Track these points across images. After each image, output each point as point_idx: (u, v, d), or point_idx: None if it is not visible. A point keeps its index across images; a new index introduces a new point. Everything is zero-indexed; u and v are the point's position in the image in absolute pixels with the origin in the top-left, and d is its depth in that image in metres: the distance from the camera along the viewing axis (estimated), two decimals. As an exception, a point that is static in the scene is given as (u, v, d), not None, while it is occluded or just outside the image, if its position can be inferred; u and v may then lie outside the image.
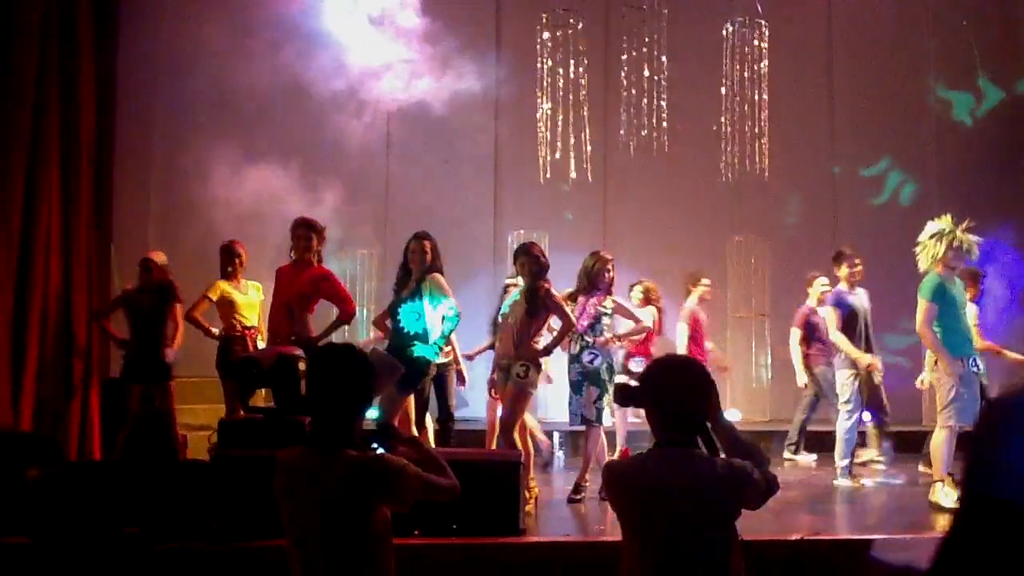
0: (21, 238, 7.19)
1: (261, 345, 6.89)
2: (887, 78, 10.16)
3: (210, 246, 7.47)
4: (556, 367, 7.82)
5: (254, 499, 4.65)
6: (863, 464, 7.48)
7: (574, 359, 6.39)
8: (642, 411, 2.88)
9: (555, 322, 6.34)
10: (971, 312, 7.53)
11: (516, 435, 5.99)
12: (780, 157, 9.62)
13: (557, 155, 9.38)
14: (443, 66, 8.93)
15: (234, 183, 8.20)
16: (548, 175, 9.41)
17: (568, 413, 6.49)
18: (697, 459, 2.66)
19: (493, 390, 6.35)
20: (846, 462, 7.00)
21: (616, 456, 6.77)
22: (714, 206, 9.98)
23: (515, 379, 6.01)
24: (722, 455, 2.72)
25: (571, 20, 9.33)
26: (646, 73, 9.36)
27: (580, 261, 6.62)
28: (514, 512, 5.12)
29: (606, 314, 6.41)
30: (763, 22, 9.42)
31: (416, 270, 6.04)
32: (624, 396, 2.95)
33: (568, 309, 6.25)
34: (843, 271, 7.11)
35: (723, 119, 9.49)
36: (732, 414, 9.44)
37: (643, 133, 9.43)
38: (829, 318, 7.06)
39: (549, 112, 9.38)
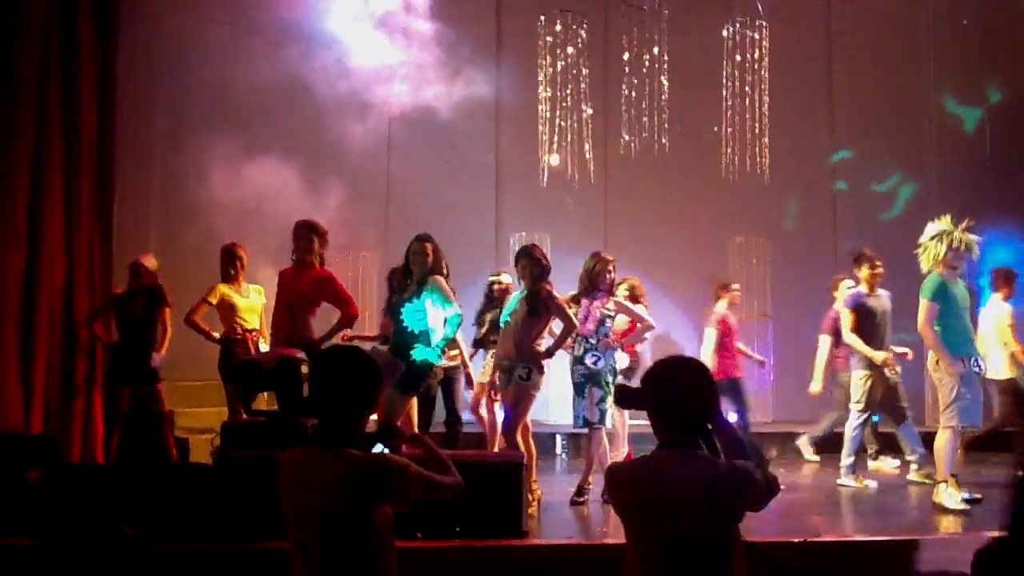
0: (28, 238, 7.22)
1: (264, 347, 6.89)
2: (887, 78, 10.16)
3: (210, 247, 7.47)
4: (558, 369, 7.84)
5: (256, 501, 4.67)
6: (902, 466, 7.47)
7: (577, 361, 6.39)
8: (645, 413, 2.87)
9: (557, 325, 6.35)
10: (1005, 312, 7.55)
11: (519, 437, 6.00)
12: (781, 157, 9.62)
13: (558, 156, 9.37)
14: (444, 67, 8.94)
15: (235, 184, 8.20)
16: (549, 177, 9.40)
17: (572, 415, 6.50)
18: (700, 460, 2.66)
19: (493, 391, 6.36)
20: (850, 461, 7.00)
21: (621, 459, 6.76)
22: (715, 207, 9.98)
23: (517, 381, 6.03)
24: (723, 456, 2.72)
25: (571, 21, 9.32)
26: (646, 74, 9.36)
27: (582, 263, 6.62)
28: (517, 514, 5.12)
29: (610, 316, 6.41)
30: (763, 22, 9.42)
31: (417, 272, 6.04)
32: (624, 398, 2.94)
33: (571, 311, 6.26)
34: (864, 272, 7.05)
35: (723, 120, 9.49)
36: (733, 416, 9.43)
37: (644, 134, 9.42)
38: (845, 319, 7.04)
39: (550, 113, 9.37)
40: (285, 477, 2.81)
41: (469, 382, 7.26)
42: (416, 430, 5.98)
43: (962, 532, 5.44)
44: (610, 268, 6.44)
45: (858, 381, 6.96)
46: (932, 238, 6.26)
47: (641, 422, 7.60)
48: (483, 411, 7.31)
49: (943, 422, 6.08)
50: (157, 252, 8.95)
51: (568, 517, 6.02)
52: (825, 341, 7.88)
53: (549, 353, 6.21)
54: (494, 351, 6.71)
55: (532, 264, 6.13)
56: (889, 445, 7.92)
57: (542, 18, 9.36)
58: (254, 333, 7.05)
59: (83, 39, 7.87)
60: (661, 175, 9.79)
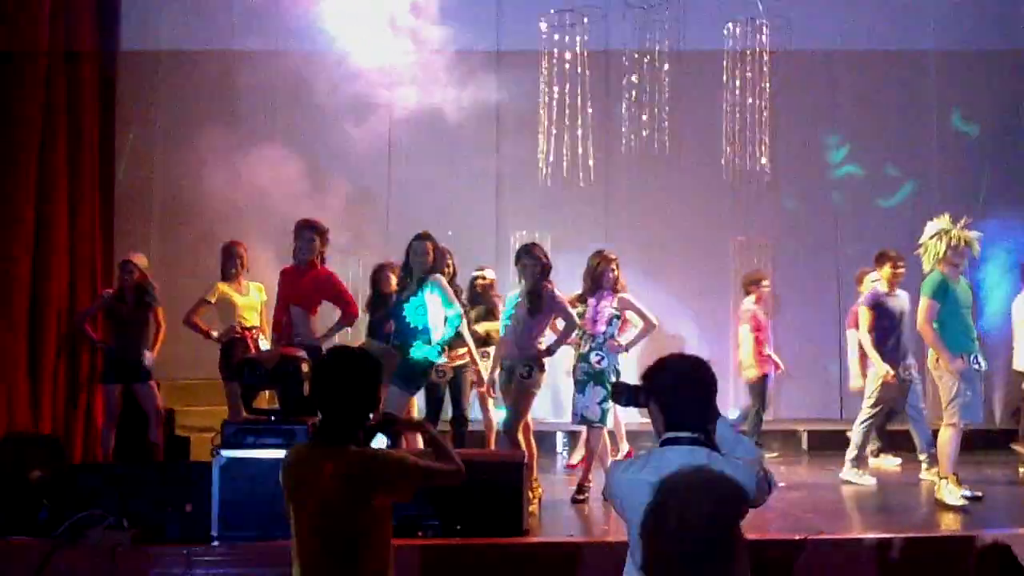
0: (36, 238, 7.25)
1: (264, 345, 6.90)
2: (888, 77, 10.15)
3: (211, 246, 7.48)
4: (560, 368, 7.84)
5: (257, 501, 4.68)
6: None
7: (582, 358, 6.39)
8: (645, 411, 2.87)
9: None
10: None
11: (520, 435, 6.00)
12: (781, 156, 9.61)
13: (558, 156, 9.37)
14: (444, 67, 8.93)
15: (236, 184, 8.20)
16: (549, 176, 9.40)
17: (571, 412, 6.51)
18: (707, 457, 2.67)
19: (492, 389, 6.36)
20: (853, 454, 7.01)
21: (621, 457, 6.77)
22: (715, 206, 9.97)
23: (518, 379, 6.04)
24: (720, 451, 2.72)
25: (572, 21, 9.32)
26: (647, 73, 9.36)
27: (582, 261, 6.62)
28: (518, 512, 5.13)
29: (617, 315, 6.42)
30: (763, 21, 9.41)
31: (417, 271, 6.05)
32: (623, 394, 2.94)
33: (575, 310, 6.26)
34: (886, 271, 7.01)
35: (724, 119, 9.49)
36: (734, 413, 9.44)
37: (644, 133, 9.42)
38: (862, 317, 7.04)
39: (550, 113, 9.37)
40: (288, 474, 2.90)
41: (480, 381, 7.22)
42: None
43: (962, 530, 5.45)
44: (613, 267, 6.43)
45: (873, 378, 6.95)
46: (932, 237, 6.28)
47: (634, 420, 7.69)
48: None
49: (945, 420, 6.09)
50: (157, 252, 9.00)
51: (569, 515, 6.02)
52: (853, 336, 7.82)
53: (550, 351, 6.22)
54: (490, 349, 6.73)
55: (533, 263, 6.13)
56: (891, 443, 7.93)
57: (543, 18, 9.36)
58: (254, 331, 7.06)
59: (85, 39, 7.90)
60: (662, 174, 9.78)
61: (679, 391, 2.74)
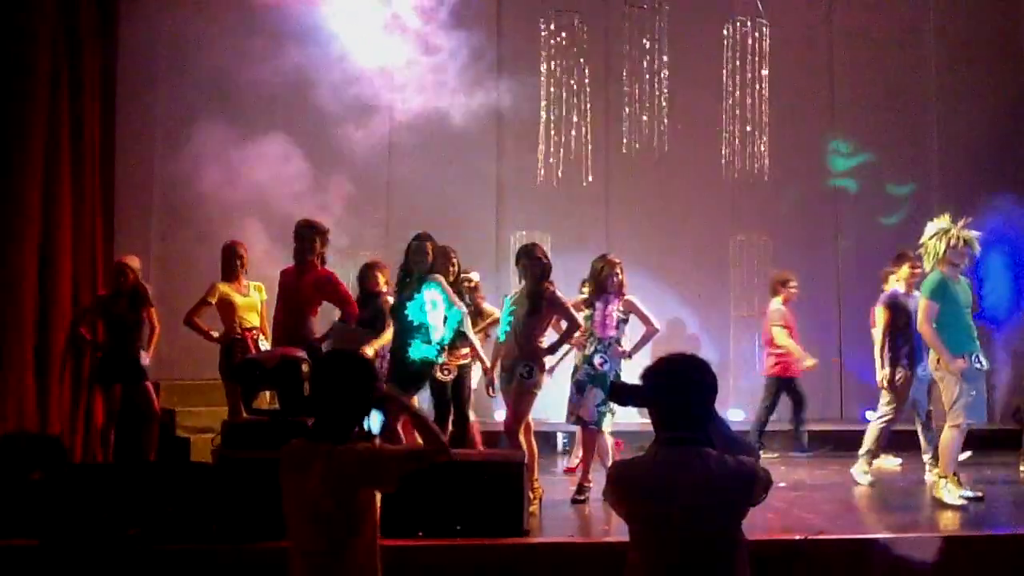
0: (42, 238, 7.28)
1: (264, 346, 6.90)
2: (888, 76, 10.15)
3: (211, 246, 7.48)
4: (562, 368, 7.82)
5: (258, 501, 4.68)
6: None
7: (586, 360, 6.39)
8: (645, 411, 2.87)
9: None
10: None
11: (520, 436, 6.00)
12: (781, 155, 9.61)
13: (558, 156, 9.37)
14: (445, 68, 8.92)
15: (236, 184, 8.20)
16: (550, 176, 9.40)
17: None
18: (708, 457, 2.67)
19: (490, 388, 6.36)
20: (863, 450, 7.01)
21: (609, 447, 6.74)
22: (715, 205, 9.98)
23: (519, 379, 6.03)
24: (718, 450, 2.72)
25: (572, 20, 9.32)
26: (647, 73, 9.36)
27: (582, 262, 6.62)
28: (518, 513, 5.13)
29: (623, 319, 6.42)
30: (764, 21, 9.41)
31: (417, 271, 6.05)
32: (622, 394, 2.94)
33: (581, 314, 6.26)
34: (904, 271, 6.99)
35: (724, 118, 9.49)
36: (735, 413, 9.45)
37: (644, 132, 9.42)
38: (878, 316, 7.04)
39: (550, 112, 9.37)
40: (285, 466, 3.03)
41: (489, 383, 7.19)
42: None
43: (962, 530, 5.45)
44: (617, 271, 6.43)
45: (895, 379, 6.89)
46: (931, 237, 6.29)
47: (634, 420, 7.68)
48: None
49: (949, 421, 6.09)
50: (157, 252, 9.01)
51: (569, 516, 6.02)
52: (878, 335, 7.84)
53: (552, 349, 6.23)
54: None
55: (533, 263, 6.13)
56: (893, 444, 7.93)
57: (543, 18, 9.36)
58: (254, 331, 7.05)
59: (86, 38, 7.92)
60: (662, 174, 9.79)
61: (678, 391, 2.75)
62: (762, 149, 9.38)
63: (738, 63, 9.40)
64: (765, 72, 9.38)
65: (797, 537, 4.95)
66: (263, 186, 8.20)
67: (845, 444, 8.29)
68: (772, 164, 9.44)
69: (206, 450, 6.60)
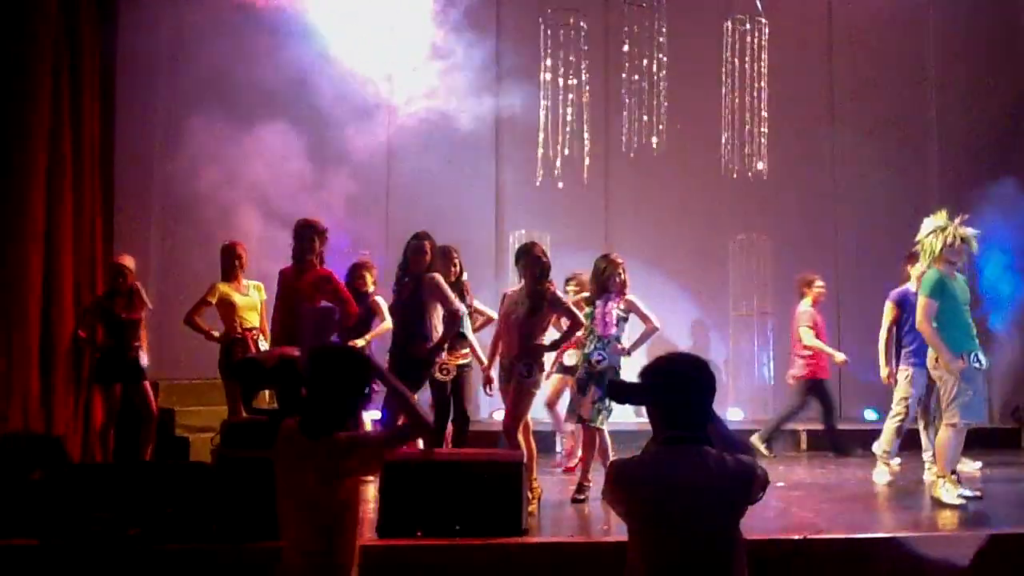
0: (46, 238, 7.30)
1: (264, 346, 6.91)
2: (887, 76, 10.15)
3: (210, 246, 7.48)
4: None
5: (257, 500, 4.68)
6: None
7: (585, 359, 6.40)
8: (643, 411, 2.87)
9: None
10: None
11: (519, 435, 6.00)
12: (781, 155, 9.62)
13: (558, 155, 9.38)
14: (444, 68, 8.93)
15: (235, 184, 8.21)
16: (549, 175, 9.40)
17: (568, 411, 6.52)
18: (710, 456, 2.67)
19: (488, 387, 6.36)
20: (880, 450, 7.00)
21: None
22: (715, 205, 9.98)
23: (518, 378, 6.03)
24: (716, 449, 2.73)
25: (571, 19, 9.32)
26: (646, 72, 9.36)
27: (581, 262, 6.62)
28: (517, 512, 5.12)
29: (624, 318, 6.42)
30: (763, 20, 9.42)
31: (415, 270, 6.05)
32: (620, 393, 2.95)
33: (581, 312, 6.27)
34: (916, 270, 6.92)
35: (723, 117, 9.49)
36: (734, 413, 9.45)
37: (644, 132, 9.42)
38: (886, 312, 7.03)
39: (550, 111, 9.37)
40: (279, 448, 3.14)
41: (487, 380, 7.19)
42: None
43: (960, 529, 5.46)
44: (620, 270, 6.44)
45: (903, 377, 6.90)
46: (928, 235, 6.27)
47: (632, 420, 7.68)
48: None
49: (944, 420, 6.09)
50: (157, 252, 9.02)
51: (569, 515, 6.02)
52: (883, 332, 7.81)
53: (554, 346, 6.25)
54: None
55: (533, 262, 6.13)
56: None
57: (542, 17, 9.37)
58: (254, 331, 7.07)
59: (86, 38, 7.93)
60: (661, 173, 9.79)
61: (677, 390, 2.75)
62: (761, 148, 9.39)
63: (737, 62, 9.40)
64: (764, 71, 9.38)
65: (796, 537, 4.95)
66: (263, 186, 8.20)
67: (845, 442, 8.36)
68: (772, 163, 9.44)
69: (205, 450, 6.61)
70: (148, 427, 7.06)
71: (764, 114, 9.41)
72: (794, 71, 9.95)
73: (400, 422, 3.32)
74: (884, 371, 7.13)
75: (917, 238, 6.37)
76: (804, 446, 9.00)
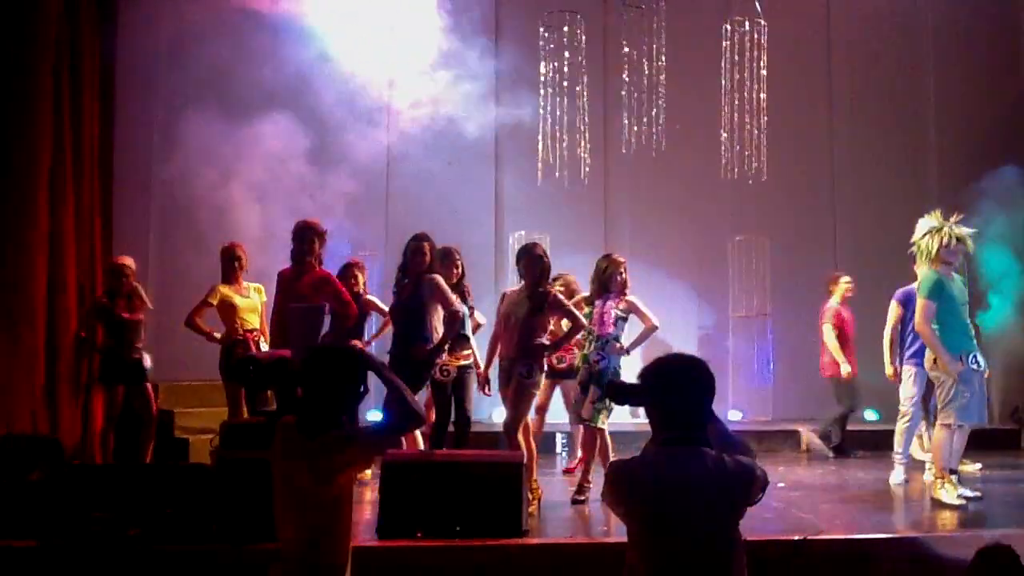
0: (50, 238, 7.31)
1: (265, 347, 6.91)
2: (886, 76, 10.16)
3: (210, 247, 7.48)
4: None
5: (257, 501, 4.68)
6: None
7: (584, 359, 6.40)
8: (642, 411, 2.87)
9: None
10: None
11: (519, 436, 6.00)
12: (780, 155, 9.62)
13: (558, 156, 9.38)
14: (444, 68, 8.94)
15: (234, 184, 8.21)
16: (548, 176, 9.41)
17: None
18: (709, 457, 2.67)
19: (487, 386, 6.36)
20: (898, 455, 6.95)
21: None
22: (714, 205, 9.98)
23: (518, 379, 6.03)
24: (715, 450, 2.73)
25: (570, 20, 9.33)
26: (646, 73, 9.37)
27: (581, 262, 6.62)
28: (517, 513, 5.12)
29: (623, 317, 6.42)
30: (762, 21, 9.42)
31: (415, 271, 6.05)
32: (620, 394, 2.94)
33: (581, 312, 6.27)
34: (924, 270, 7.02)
35: (722, 118, 9.49)
36: (734, 414, 9.46)
37: (643, 133, 9.43)
38: (890, 312, 7.04)
39: (549, 112, 9.38)
40: (277, 445, 3.16)
41: (486, 381, 7.18)
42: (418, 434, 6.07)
43: (960, 529, 5.46)
44: (621, 270, 6.43)
45: (907, 376, 6.89)
46: (924, 236, 6.26)
47: (631, 421, 7.68)
48: None
49: (940, 420, 6.09)
50: (156, 253, 9.02)
51: (569, 516, 6.02)
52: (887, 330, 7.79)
53: (555, 346, 6.25)
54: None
55: (533, 263, 6.13)
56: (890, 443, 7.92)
57: (541, 19, 9.37)
58: (255, 333, 7.07)
59: (86, 38, 7.95)
60: (660, 174, 9.80)
61: (676, 391, 2.75)
62: (761, 149, 9.40)
63: (736, 63, 9.41)
64: (763, 72, 9.39)
65: (796, 537, 4.95)
66: (262, 187, 8.20)
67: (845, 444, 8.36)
68: (771, 164, 9.45)
69: (205, 451, 6.61)
70: (148, 428, 7.07)
71: (763, 115, 9.41)
72: (793, 72, 9.96)
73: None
74: (889, 369, 7.14)
75: (913, 240, 6.36)
76: (804, 446, 8.99)
